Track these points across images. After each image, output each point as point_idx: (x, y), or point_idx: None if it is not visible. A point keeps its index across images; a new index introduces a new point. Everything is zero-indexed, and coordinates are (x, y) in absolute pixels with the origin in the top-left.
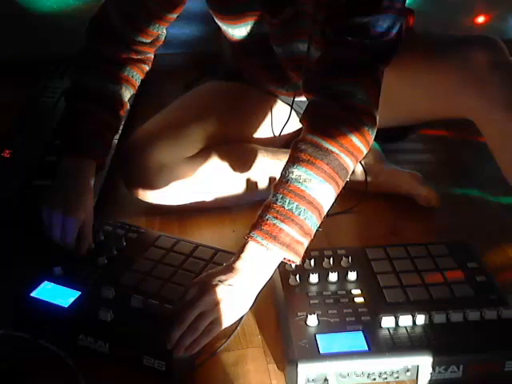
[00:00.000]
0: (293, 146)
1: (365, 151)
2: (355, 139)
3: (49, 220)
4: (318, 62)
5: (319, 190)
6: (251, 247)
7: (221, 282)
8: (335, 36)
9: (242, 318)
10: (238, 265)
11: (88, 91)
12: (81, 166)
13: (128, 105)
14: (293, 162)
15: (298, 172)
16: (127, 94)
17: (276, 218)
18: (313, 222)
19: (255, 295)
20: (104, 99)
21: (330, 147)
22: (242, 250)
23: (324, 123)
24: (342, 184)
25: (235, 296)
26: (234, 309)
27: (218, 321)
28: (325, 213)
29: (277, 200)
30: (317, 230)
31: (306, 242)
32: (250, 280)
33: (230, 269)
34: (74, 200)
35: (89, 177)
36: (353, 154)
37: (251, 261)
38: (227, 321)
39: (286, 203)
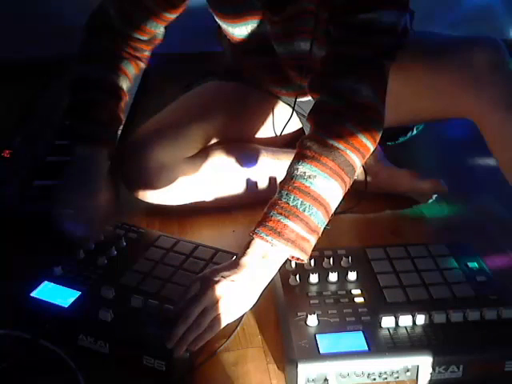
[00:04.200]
0: (299, 144)
1: (371, 148)
2: (361, 136)
3: (66, 208)
4: (322, 60)
5: (324, 186)
6: (256, 244)
7: (224, 277)
8: (339, 34)
9: (242, 317)
10: (242, 261)
11: (93, 82)
12: (95, 153)
13: (128, 97)
14: (298, 159)
15: (302, 169)
16: (126, 86)
17: (280, 214)
18: (319, 219)
19: (259, 292)
20: (109, 90)
21: (335, 144)
22: (246, 246)
23: (329, 120)
24: (348, 181)
25: (238, 292)
26: (237, 305)
27: (220, 317)
28: (332, 210)
29: (281, 197)
30: (325, 228)
31: (312, 239)
32: (254, 277)
33: (234, 265)
34: (91, 187)
35: (103, 164)
36: (359, 150)
37: (256, 257)
38: (230, 317)
39: (291, 200)
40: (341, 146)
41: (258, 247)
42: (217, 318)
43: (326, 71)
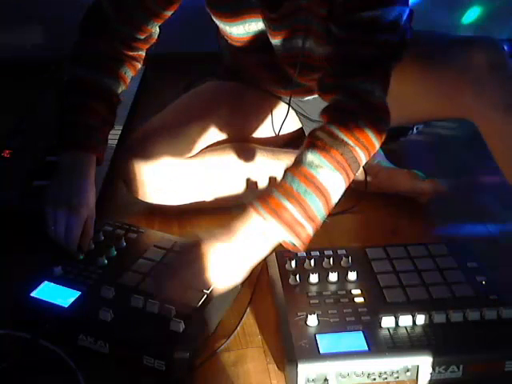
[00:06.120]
0: (309, 134)
1: (378, 147)
2: (371, 135)
3: (53, 218)
4: (328, 60)
5: (329, 178)
6: (250, 214)
7: (215, 239)
8: (343, 33)
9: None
10: (234, 226)
11: (86, 86)
12: (82, 160)
13: (121, 101)
14: (307, 147)
15: (311, 157)
16: (119, 90)
17: (280, 193)
18: (318, 208)
19: (245, 266)
20: (101, 94)
21: (346, 139)
22: (242, 216)
23: (343, 117)
24: (352, 177)
25: (225, 257)
26: (222, 270)
27: (206, 274)
28: (332, 202)
29: (286, 179)
30: (324, 222)
31: (308, 226)
32: (245, 245)
33: (226, 230)
34: (77, 197)
35: (90, 172)
36: (367, 148)
37: (249, 229)
38: (214, 279)
39: (294, 183)
40: (351, 142)
41: (252, 219)
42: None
43: (338, 72)
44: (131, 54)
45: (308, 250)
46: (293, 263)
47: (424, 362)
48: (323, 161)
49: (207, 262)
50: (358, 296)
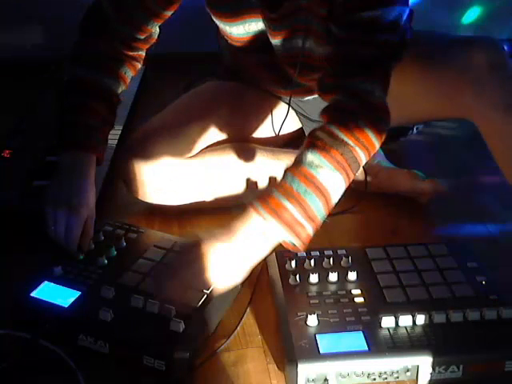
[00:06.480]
0: (309, 134)
1: (378, 147)
2: (371, 135)
3: (53, 218)
4: (328, 60)
5: (329, 178)
6: (250, 214)
7: (215, 239)
8: (343, 33)
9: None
10: (234, 226)
11: (86, 86)
12: (82, 160)
13: (121, 101)
14: (307, 147)
15: (311, 157)
16: (119, 90)
17: (280, 193)
18: (318, 207)
19: (245, 266)
20: (101, 94)
21: (346, 139)
22: (242, 216)
23: (344, 117)
24: (352, 177)
25: (225, 257)
26: (222, 270)
27: (205, 274)
28: (332, 203)
29: (286, 179)
30: (324, 222)
31: (308, 226)
32: (245, 245)
33: (226, 230)
34: (77, 197)
35: (90, 172)
36: (367, 149)
37: (249, 228)
38: (214, 279)
39: (295, 183)
40: (351, 142)
41: (252, 219)
42: (201, 275)
43: (338, 72)
44: (131, 54)
45: (308, 250)
46: (293, 263)
47: (424, 362)
48: (323, 161)
49: (207, 262)
50: (358, 296)
